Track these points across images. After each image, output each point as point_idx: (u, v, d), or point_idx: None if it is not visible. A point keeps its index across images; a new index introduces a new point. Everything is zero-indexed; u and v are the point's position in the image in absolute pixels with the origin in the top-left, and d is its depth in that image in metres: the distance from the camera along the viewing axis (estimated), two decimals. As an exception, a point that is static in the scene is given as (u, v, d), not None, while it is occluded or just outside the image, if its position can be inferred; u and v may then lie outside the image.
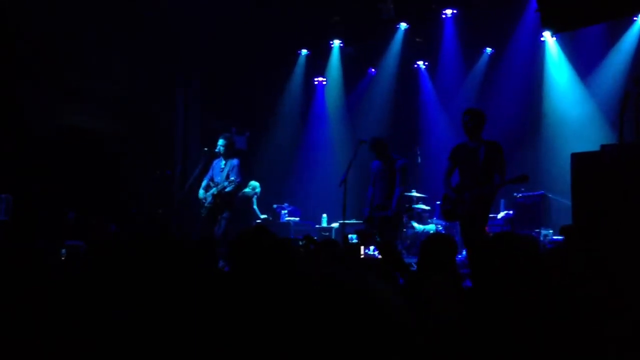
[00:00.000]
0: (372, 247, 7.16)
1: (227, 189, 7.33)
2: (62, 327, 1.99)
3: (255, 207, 9.82)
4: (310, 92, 11.62)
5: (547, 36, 9.45)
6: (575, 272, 2.71)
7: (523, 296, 1.93)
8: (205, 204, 7.51)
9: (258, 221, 9.67)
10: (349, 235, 7.43)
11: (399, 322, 1.58)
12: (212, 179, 7.59)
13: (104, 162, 8.78)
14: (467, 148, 5.89)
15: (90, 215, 7.73)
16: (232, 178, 7.32)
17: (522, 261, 1.97)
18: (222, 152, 7.52)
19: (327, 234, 9.42)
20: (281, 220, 10.10)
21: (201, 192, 7.58)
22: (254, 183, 9.87)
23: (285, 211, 10.24)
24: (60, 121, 8.77)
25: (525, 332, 1.83)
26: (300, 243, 4.34)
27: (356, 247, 6.53)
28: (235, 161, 7.51)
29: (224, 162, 7.56)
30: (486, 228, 7.48)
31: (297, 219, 10.23)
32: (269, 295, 2.22)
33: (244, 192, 9.54)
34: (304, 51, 11.09)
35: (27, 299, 2.14)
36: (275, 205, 10.38)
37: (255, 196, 9.83)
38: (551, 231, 7.82)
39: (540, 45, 9.66)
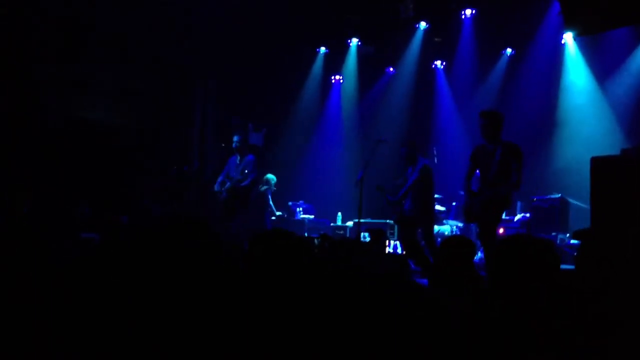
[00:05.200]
0: (392, 244, 7.17)
1: (242, 184, 7.48)
2: (73, 318, 2.01)
3: (270, 202, 9.76)
4: (328, 90, 11.62)
5: (568, 39, 9.36)
6: (591, 279, 2.69)
7: (535, 297, 1.92)
8: (221, 199, 7.63)
9: (273, 218, 9.69)
10: (362, 234, 7.44)
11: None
12: (227, 175, 7.72)
13: (120, 157, 8.86)
14: (485, 149, 5.85)
15: (105, 209, 7.82)
16: (247, 172, 7.49)
17: (535, 263, 1.96)
18: (237, 148, 7.68)
19: (342, 232, 9.41)
20: (296, 218, 10.11)
21: (217, 186, 7.71)
22: (270, 176, 9.77)
23: (300, 209, 10.24)
24: (77, 115, 8.85)
25: (535, 333, 1.82)
26: (316, 242, 4.37)
27: (372, 245, 6.53)
28: (250, 157, 7.68)
29: (239, 158, 7.71)
30: (501, 230, 7.46)
31: (312, 216, 10.23)
32: (288, 291, 2.23)
33: (261, 188, 9.54)
34: (323, 49, 11.10)
35: (39, 291, 2.16)
36: (290, 203, 10.39)
37: (269, 191, 9.71)
38: (568, 235, 7.74)
39: (560, 47, 9.57)
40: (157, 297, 2.09)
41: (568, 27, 5.82)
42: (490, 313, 1.82)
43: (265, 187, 9.63)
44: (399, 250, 7.09)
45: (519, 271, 1.88)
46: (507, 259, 1.91)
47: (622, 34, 8.62)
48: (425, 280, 3.15)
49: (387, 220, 8.45)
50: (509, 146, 5.70)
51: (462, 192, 6.55)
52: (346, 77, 11.39)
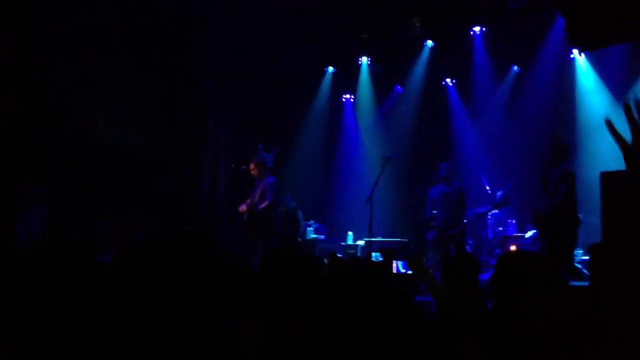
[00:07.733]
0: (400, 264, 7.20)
1: (258, 207, 7.64)
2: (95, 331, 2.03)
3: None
4: (337, 109, 11.67)
5: (577, 53, 9.37)
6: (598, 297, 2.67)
7: (531, 313, 1.93)
8: (244, 221, 7.81)
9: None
10: (372, 254, 7.42)
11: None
12: (254, 197, 7.91)
13: (134, 177, 8.91)
14: (547, 175, 6.14)
15: (120, 230, 7.88)
16: (265, 195, 7.66)
17: (530, 280, 1.98)
18: (255, 175, 7.86)
19: (353, 251, 9.38)
20: (307, 238, 10.10)
21: (242, 207, 7.89)
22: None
23: (311, 228, 10.24)
24: (93, 136, 8.90)
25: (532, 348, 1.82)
26: (326, 261, 4.38)
27: (384, 264, 6.51)
28: (269, 180, 7.85)
29: (259, 181, 7.90)
30: (513, 247, 7.44)
31: (323, 236, 10.22)
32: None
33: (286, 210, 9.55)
34: (331, 68, 11.18)
35: (60, 308, 2.18)
36: (301, 223, 10.39)
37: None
38: (581, 251, 7.66)
39: (570, 62, 9.57)
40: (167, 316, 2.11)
41: (572, 43, 5.86)
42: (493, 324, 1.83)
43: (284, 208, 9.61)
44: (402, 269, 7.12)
45: (516, 287, 1.89)
46: (504, 275, 1.93)
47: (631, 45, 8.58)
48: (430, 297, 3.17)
49: (397, 239, 8.43)
50: (562, 172, 5.91)
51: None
52: (359, 96, 11.44)
